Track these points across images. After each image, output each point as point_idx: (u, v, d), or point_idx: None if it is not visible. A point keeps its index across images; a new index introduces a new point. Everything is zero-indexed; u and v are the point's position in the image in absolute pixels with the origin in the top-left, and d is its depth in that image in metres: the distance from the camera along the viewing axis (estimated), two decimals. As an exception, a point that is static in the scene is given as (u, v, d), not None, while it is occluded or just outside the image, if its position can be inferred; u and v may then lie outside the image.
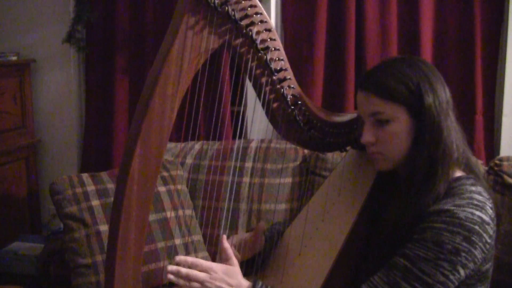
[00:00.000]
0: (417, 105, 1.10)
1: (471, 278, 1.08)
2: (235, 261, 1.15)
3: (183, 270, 1.07)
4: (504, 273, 1.66)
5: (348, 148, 1.38)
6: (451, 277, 1.03)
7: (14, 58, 2.73)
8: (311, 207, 1.37)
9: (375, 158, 1.19)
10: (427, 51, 2.22)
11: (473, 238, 1.03)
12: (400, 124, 1.12)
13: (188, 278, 1.07)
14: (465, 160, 1.17)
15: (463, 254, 1.02)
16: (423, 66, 1.14)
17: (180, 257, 1.09)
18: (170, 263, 1.11)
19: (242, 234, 1.34)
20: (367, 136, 1.15)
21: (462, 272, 1.04)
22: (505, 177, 1.81)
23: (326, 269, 1.16)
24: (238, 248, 1.30)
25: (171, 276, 1.07)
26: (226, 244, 1.18)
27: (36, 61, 2.80)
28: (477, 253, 1.04)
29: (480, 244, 1.04)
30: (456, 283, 1.05)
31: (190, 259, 1.09)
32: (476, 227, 1.03)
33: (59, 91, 2.81)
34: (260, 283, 1.09)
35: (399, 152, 1.14)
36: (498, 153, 2.22)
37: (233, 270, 1.12)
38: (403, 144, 1.13)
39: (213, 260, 2.05)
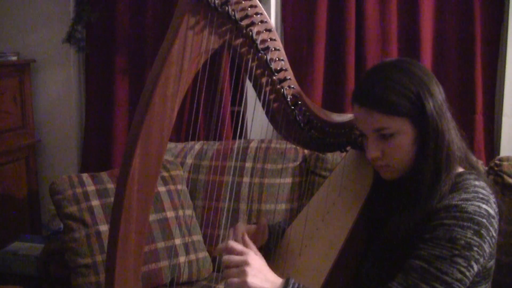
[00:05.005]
0: (419, 113, 1.10)
1: (477, 275, 1.08)
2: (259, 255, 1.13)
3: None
4: (503, 273, 1.66)
5: (348, 148, 1.38)
6: (467, 273, 1.03)
7: (14, 58, 2.73)
8: (311, 207, 1.37)
9: (382, 170, 1.18)
10: (427, 51, 2.22)
11: (482, 232, 1.04)
12: (405, 135, 1.11)
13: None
14: (464, 155, 1.17)
15: (475, 248, 1.03)
16: (417, 71, 1.12)
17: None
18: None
19: (244, 225, 1.31)
20: (373, 152, 1.14)
21: (475, 267, 1.04)
22: (505, 177, 1.81)
23: (326, 269, 1.16)
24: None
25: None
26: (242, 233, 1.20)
27: (36, 61, 2.80)
28: (486, 247, 1.05)
29: (488, 238, 1.05)
30: (471, 279, 1.05)
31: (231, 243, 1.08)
32: (484, 220, 1.04)
33: (59, 91, 2.81)
34: (293, 280, 1.07)
35: (406, 162, 1.13)
36: (498, 153, 2.22)
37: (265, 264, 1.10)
38: (409, 154, 1.12)
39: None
